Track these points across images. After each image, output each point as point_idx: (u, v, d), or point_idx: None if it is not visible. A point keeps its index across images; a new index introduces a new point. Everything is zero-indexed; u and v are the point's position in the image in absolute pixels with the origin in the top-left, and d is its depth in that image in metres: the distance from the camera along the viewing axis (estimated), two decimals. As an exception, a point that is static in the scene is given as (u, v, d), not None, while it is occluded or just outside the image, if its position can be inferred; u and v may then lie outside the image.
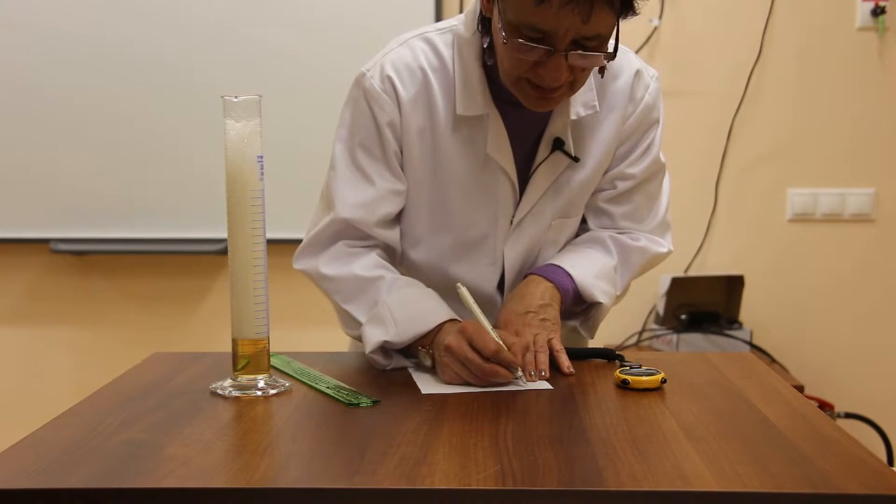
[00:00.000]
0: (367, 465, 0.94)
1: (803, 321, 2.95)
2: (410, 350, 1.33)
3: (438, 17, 2.78)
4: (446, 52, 1.38)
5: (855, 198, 2.91)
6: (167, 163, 2.90)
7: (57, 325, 3.07)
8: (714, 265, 2.94)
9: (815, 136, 2.90)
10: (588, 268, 1.43)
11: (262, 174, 1.19)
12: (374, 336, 1.32)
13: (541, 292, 1.37)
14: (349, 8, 2.80)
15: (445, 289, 1.39)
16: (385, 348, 1.33)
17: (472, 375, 1.22)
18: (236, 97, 1.17)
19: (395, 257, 1.46)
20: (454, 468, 0.92)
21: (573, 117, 1.39)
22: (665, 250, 1.52)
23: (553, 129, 1.40)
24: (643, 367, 1.26)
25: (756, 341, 2.82)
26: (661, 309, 2.82)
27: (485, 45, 1.34)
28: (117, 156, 2.90)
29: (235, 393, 1.19)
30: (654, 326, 2.86)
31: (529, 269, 1.45)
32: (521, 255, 1.46)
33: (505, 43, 1.23)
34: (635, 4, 1.22)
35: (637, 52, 2.84)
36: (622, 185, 1.47)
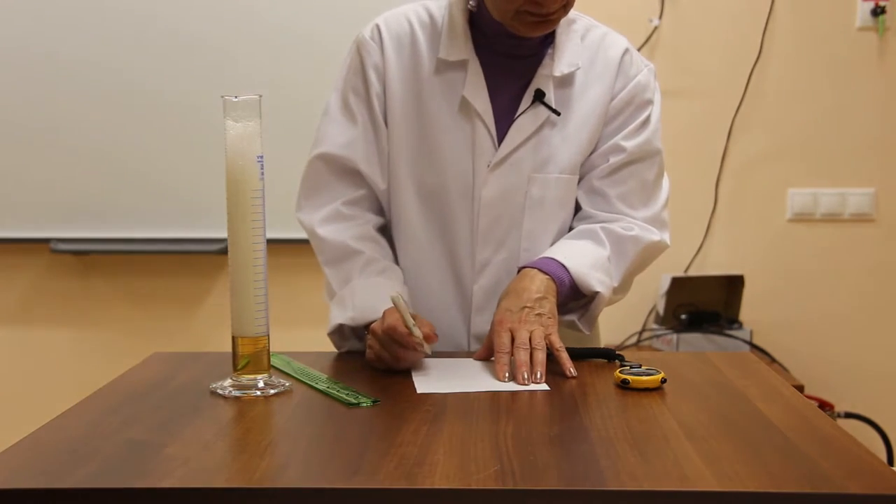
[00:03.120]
0: (367, 465, 0.94)
1: (803, 321, 2.95)
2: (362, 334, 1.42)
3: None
4: (437, 13, 1.49)
5: (855, 198, 2.92)
6: (167, 163, 2.90)
7: (57, 325, 3.07)
8: (714, 265, 2.94)
9: (814, 135, 2.90)
10: (582, 258, 1.43)
11: (262, 174, 1.20)
12: (334, 318, 1.43)
13: (536, 286, 1.37)
14: (350, 8, 2.80)
15: (429, 234, 1.48)
16: (341, 330, 1.44)
17: (389, 357, 1.30)
18: (236, 97, 1.18)
19: (385, 214, 1.52)
20: (454, 468, 0.92)
21: (557, 74, 1.46)
22: (658, 238, 1.51)
23: (536, 83, 1.46)
24: (643, 367, 1.26)
25: (756, 341, 2.82)
26: (661, 309, 2.82)
27: None
28: (117, 156, 2.89)
29: (235, 393, 1.19)
30: (654, 326, 2.86)
31: (514, 239, 1.48)
32: (498, 203, 1.47)
33: None
34: None
35: (637, 51, 2.84)
36: (614, 160, 1.48)
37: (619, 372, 1.24)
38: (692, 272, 2.92)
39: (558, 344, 1.32)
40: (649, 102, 1.50)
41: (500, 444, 0.99)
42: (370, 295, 1.40)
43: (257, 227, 1.19)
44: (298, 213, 1.53)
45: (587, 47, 1.49)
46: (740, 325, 2.79)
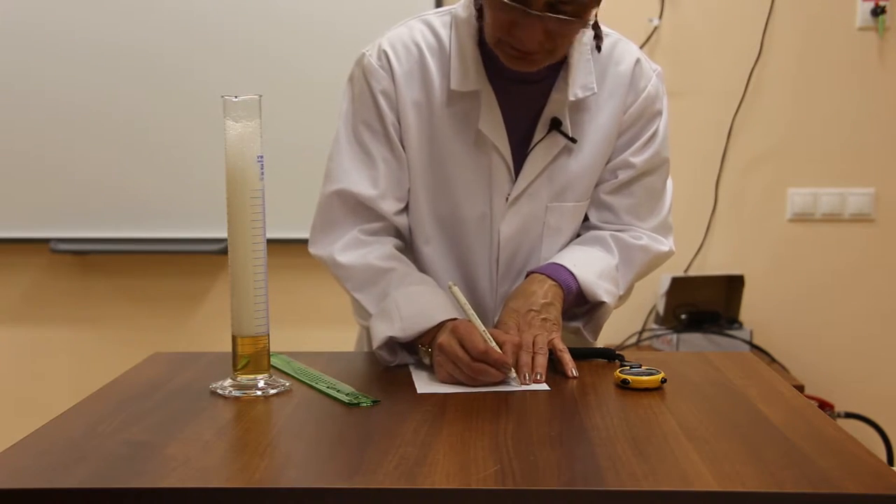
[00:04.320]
0: (367, 465, 0.94)
1: (803, 321, 2.95)
2: (414, 347, 1.34)
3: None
4: (444, 33, 1.42)
5: (855, 198, 2.92)
6: (167, 163, 2.90)
7: (57, 325, 3.07)
8: (714, 265, 2.95)
9: (814, 135, 2.90)
10: (590, 267, 1.42)
11: (262, 174, 1.19)
12: (381, 332, 1.32)
13: (543, 291, 1.37)
14: (349, 8, 2.80)
15: (448, 268, 1.44)
16: (391, 344, 1.33)
17: (462, 374, 1.22)
18: (236, 97, 1.17)
19: (406, 243, 1.48)
20: (454, 468, 0.92)
21: (571, 98, 1.41)
22: (666, 249, 1.51)
23: (551, 110, 1.42)
24: (643, 367, 1.26)
25: (756, 341, 2.82)
26: (661, 309, 2.82)
27: (476, 7, 1.39)
28: (117, 156, 2.90)
29: (235, 393, 1.19)
30: (654, 326, 2.86)
31: (532, 268, 1.45)
32: (517, 235, 1.45)
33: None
34: None
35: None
36: (623, 175, 1.47)
37: (619, 372, 1.24)
38: (692, 272, 2.92)
39: (561, 346, 1.31)
40: (658, 113, 1.47)
41: (500, 444, 0.99)
42: (417, 303, 1.32)
43: (257, 227, 1.19)
44: (312, 248, 1.45)
45: (598, 60, 1.44)
46: (740, 325, 2.79)
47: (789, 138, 2.91)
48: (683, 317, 2.77)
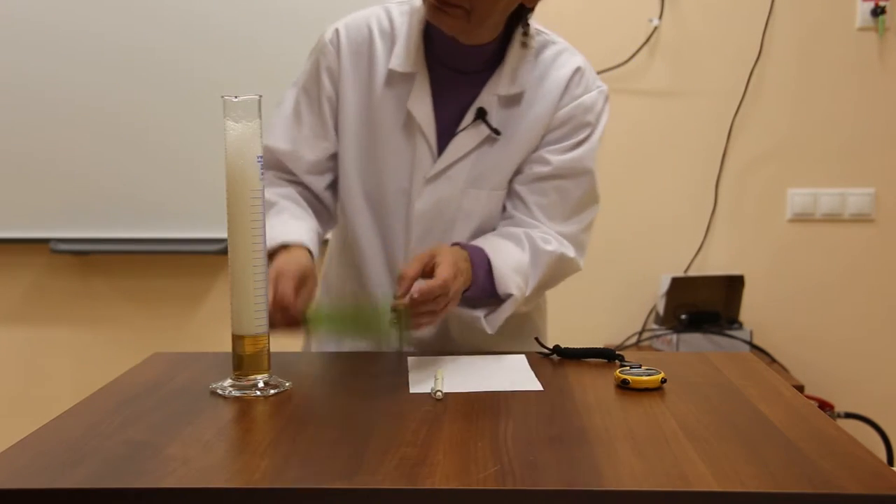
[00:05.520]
0: (367, 465, 0.94)
1: (803, 321, 2.95)
2: None
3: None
4: (399, 20, 1.50)
5: (855, 198, 2.92)
6: (167, 163, 2.90)
7: (57, 326, 3.07)
8: (714, 265, 2.95)
9: (814, 135, 2.90)
10: (507, 259, 1.42)
11: (263, 174, 1.20)
12: None
13: (465, 277, 1.36)
14: (350, 9, 2.80)
15: (370, 241, 1.51)
16: None
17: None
18: (236, 97, 1.18)
19: (322, 206, 1.55)
20: (454, 468, 0.92)
21: (502, 93, 1.46)
22: (572, 255, 1.49)
23: (481, 100, 1.47)
24: (643, 367, 1.26)
25: (756, 341, 2.82)
26: (661, 309, 2.82)
27: None
28: (117, 156, 2.90)
29: (235, 393, 1.19)
30: (654, 326, 2.86)
31: (452, 243, 1.45)
32: (430, 213, 1.48)
33: None
34: None
35: (637, 52, 2.84)
36: (537, 169, 1.48)
37: (619, 372, 1.24)
38: (692, 272, 2.92)
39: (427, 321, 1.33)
40: (589, 125, 1.49)
41: (500, 444, 0.99)
42: (272, 230, 1.38)
43: (257, 227, 1.19)
44: None
45: (539, 65, 1.49)
46: (740, 326, 2.79)
47: (789, 138, 2.91)
48: (683, 317, 2.77)
